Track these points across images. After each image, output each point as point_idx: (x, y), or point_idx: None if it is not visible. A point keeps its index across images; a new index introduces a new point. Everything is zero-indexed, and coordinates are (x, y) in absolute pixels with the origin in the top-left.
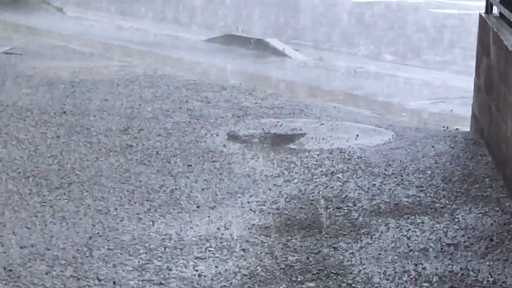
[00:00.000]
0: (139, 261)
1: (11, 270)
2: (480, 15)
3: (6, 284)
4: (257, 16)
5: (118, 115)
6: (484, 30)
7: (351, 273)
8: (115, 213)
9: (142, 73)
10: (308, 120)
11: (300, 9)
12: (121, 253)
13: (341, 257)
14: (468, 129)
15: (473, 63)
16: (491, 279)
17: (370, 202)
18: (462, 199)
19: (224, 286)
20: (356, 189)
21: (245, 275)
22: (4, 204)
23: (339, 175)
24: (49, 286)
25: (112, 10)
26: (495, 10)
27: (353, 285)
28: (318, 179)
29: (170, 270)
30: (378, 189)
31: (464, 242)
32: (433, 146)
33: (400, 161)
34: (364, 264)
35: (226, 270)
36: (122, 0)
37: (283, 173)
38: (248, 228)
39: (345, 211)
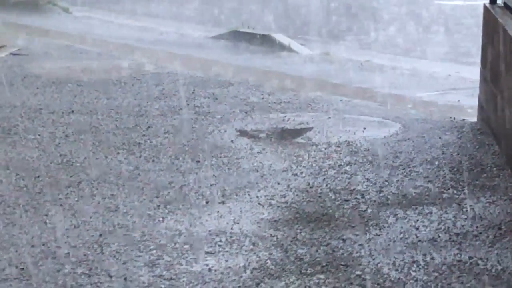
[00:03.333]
0: (149, 257)
1: (23, 269)
2: (485, 6)
3: (18, 282)
4: (263, 12)
5: (126, 113)
6: (488, 20)
7: (360, 264)
8: (125, 210)
9: (149, 71)
10: (315, 114)
11: (305, 3)
12: (132, 250)
13: (350, 248)
14: (475, 119)
15: (479, 53)
16: (499, 267)
17: (378, 194)
18: (470, 189)
19: (234, 280)
20: (364, 181)
21: (255, 268)
22: (15, 204)
23: (347, 167)
24: (61, 284)
25: (118, 10)
26: (499, 0)
27: (362, 276)
28: (326, 172)
29: (181, 265)
30: (386, 180)
31: (472, 231)
32: (440, 137)
33: (408, 152)
34: (373, 255)
35: (236, 264)
36: None
37: (291, 167)
38: (257, 222)
39: (354, 203)
